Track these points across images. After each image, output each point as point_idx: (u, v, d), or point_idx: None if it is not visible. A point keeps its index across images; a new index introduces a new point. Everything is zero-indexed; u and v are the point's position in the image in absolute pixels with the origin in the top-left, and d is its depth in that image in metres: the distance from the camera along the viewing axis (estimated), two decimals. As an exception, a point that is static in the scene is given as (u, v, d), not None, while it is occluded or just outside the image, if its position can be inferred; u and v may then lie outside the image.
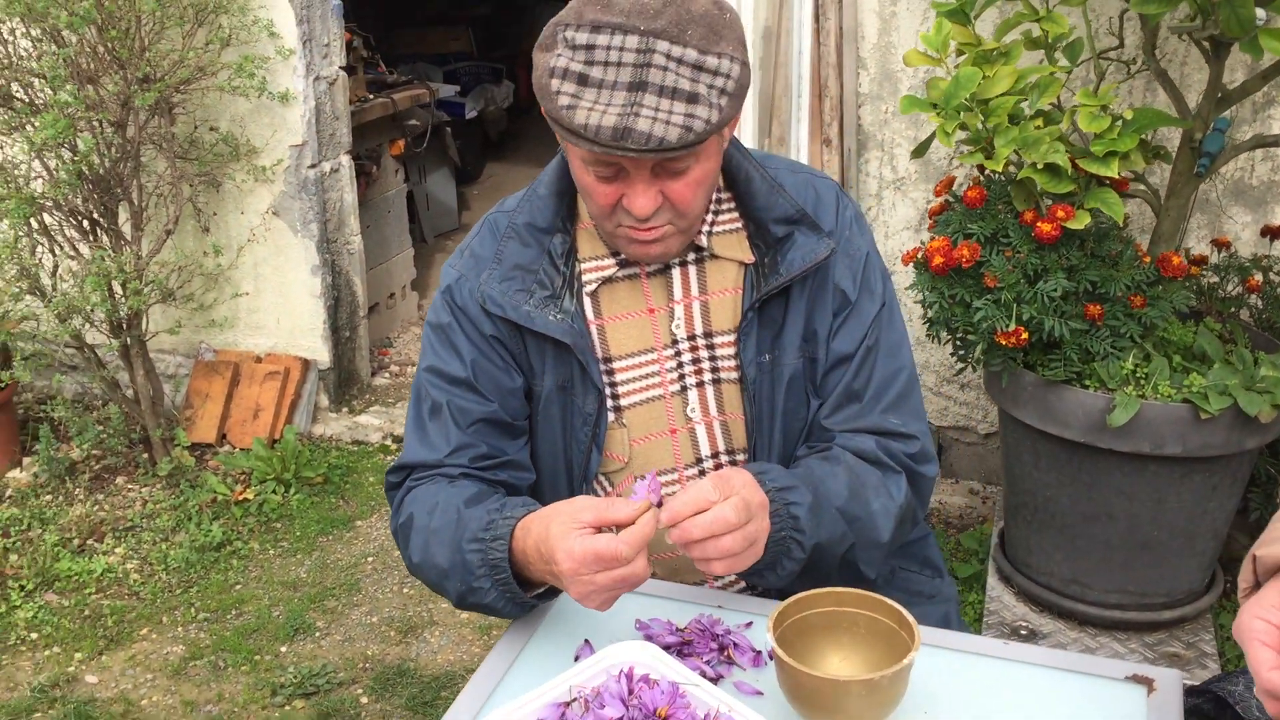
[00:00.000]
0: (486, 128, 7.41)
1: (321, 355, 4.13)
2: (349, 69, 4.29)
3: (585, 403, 1.59)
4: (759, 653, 1.42)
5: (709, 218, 1.59)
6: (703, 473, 1.65)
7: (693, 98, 1.35)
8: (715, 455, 1.65)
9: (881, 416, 1.59)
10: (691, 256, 1.61)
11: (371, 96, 4.75)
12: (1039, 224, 2.39)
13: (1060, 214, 2.38)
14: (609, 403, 1.61)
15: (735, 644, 1.42)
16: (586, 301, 1.60)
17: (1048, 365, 2.50)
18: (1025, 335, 2.39)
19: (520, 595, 1.42)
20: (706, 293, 1.60)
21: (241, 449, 3.91)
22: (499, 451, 1.63)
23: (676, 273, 1.61)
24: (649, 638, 1.44)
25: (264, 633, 3.07)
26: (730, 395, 1.62)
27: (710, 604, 1.53)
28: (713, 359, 1.61)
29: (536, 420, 1.66)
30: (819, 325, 1.59)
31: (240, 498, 3.64)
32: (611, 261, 1.60)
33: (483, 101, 7.00)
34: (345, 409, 4.24)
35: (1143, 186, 2.66)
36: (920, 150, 2.73)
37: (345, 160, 4.13)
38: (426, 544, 1.50)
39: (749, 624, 1.48)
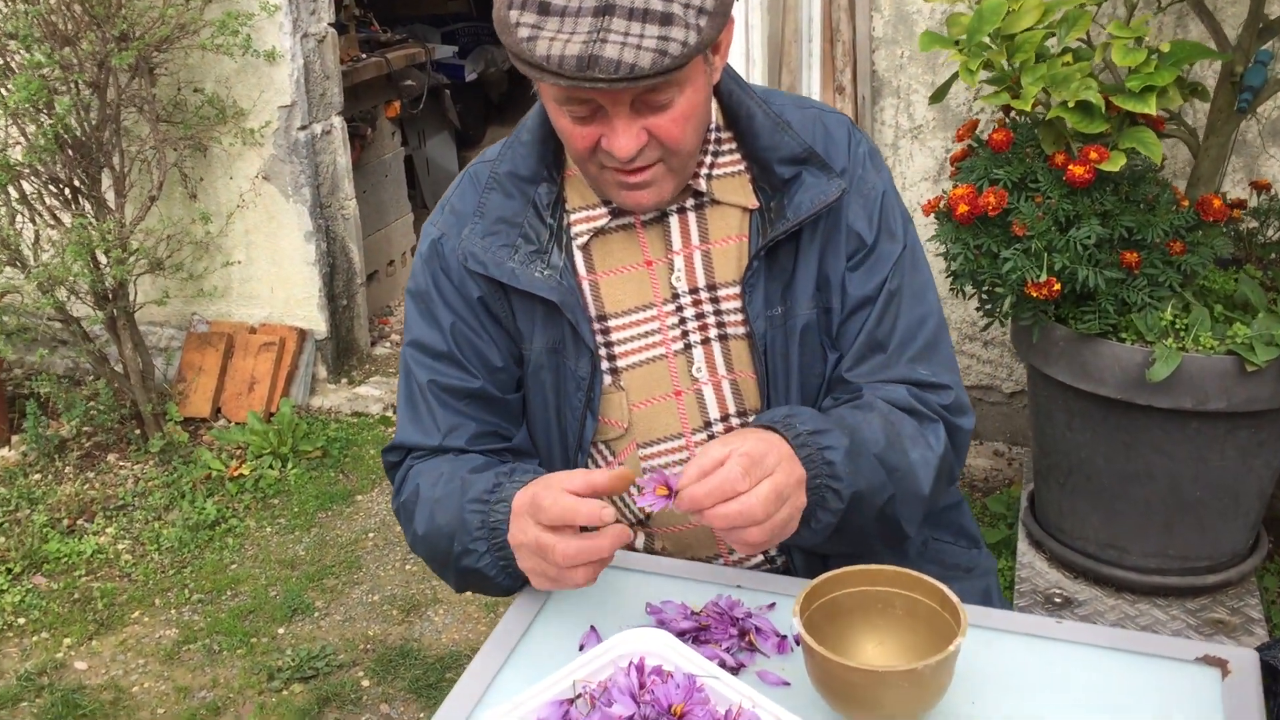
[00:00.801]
0: (487, 90, 7.22)
1: (318, 325, 3.99)
2: (339, 27, 4.12)
3: (578, 366, 1.47)
4: (784, 638, 1.28)
5: (707, 159, 1.46)
6: (712, 438, 1.50)
7: (666, 18, 1.21)
8: (725, 418, 1.50)
9: (909, 367, 1.46)
10: (690, 203, 1.47)
11: (364, 56, 4.58)
12: (1071, 167, 2.23)
13: (1093, 156, 2.22)
14: (604, 364, 1.48)
15: (757, 628, 1.28)
16: (577, 255, 1.47)
17: (1081, 318, 2.35)
18: (1057, 286, 2.23)
19: (514, 564, 1.29)
20: (708, 242, 1.47)
21: (237, 423, 3.79)
22: (496, 427, 1.51)
23: (674, 221, 1.47)
24: (661, 623, 1.31)
25: (260, 614, 2.95)
26: (739, 352, 1.48)
27: (728, 584, 1.39)
28: (718, 313, 1.48)
29: (527, 387, 1.53)
30: (832, 272, 1.45)
31: (235, 473, 3.52)
32: (603, 211, 1.47)
33: (483, 63, 6.82)
34: (344, 380, 4.10)
35: (1177, 126, 2.49)
36: (939, 95, 2.57)
37: (337, 121, 3.97)
38: (431, 514, 1.40)
39: (772, 605, 1.34)
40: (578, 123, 1.32)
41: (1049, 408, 2.54)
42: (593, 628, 1.32)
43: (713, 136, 1.48)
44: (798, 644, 1.21)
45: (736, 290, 1.46)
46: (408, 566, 3.11)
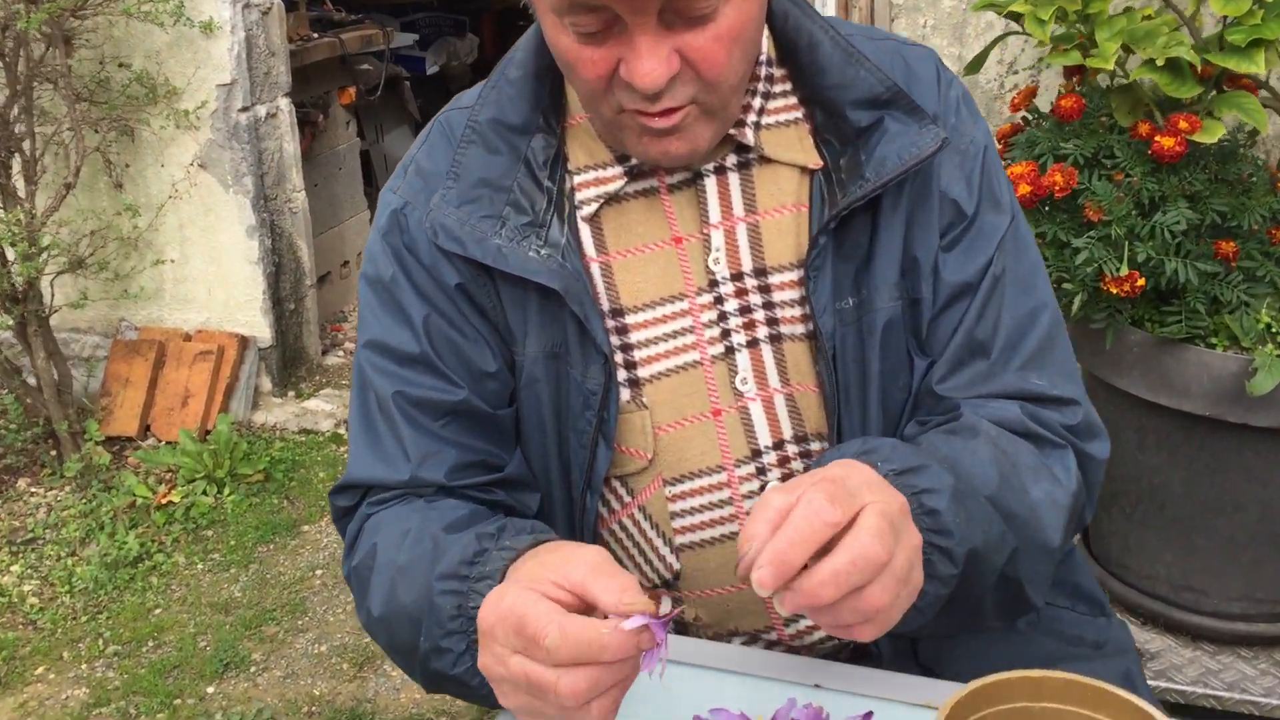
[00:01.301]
0: (449, 84, 6.81)
1: (262, 331, 3.57)
2: (288, 2, 3.71)
3: (586, 375, 1.10)
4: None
5: (755, 103, 1.11)
6: (762, 472, 1.12)
7: None
8: (779, 445, 1.13)
9: (1019, 375, 1.11)
10: (732, 160, 1.12)
11: (316, 35, 4.17)
12: (1158, 138, 1.86)
13: (1184, 125, 1.86)
14: (621, 374, 1.12)
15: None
16: (584, 230, 1.12)
17: (1162, 321, 1.98)
18: (1141, 282, 1.87)
19: None
20: (756, 212, 1.12)
21: (167, 443, 3.37)
22: (484, 454, 1.13)
23: (711, 185, 1.12)
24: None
25: (187, 669, 2.52)
26: (798, 358, 1.12)
27: (802, 680, 1.00)
28: (769, 307, 1.12)
29: (519, 403, 1.15)
30: (921, 252, 1.11)
31: (164, 501, 3.10)
32: (617, 172, 1.11)
33: (445, 56, 6.40)
34: (291, 393, 3.68)
35: (1269, 95, 2.13)
36: (976, 64, 2.21)
37: (284, 104, 3.56)
38: (392, 588, 1.01)
39: (867, 715, 0.95)
40: (586, 42, 0.96)
41: (1117, 425, 2.17)
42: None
43: (763, 73, 1.13)
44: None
45: (795, 276, 1.11)
46: (361, 610, 2.70)
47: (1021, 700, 0.83)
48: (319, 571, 2.86)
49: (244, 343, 3.56)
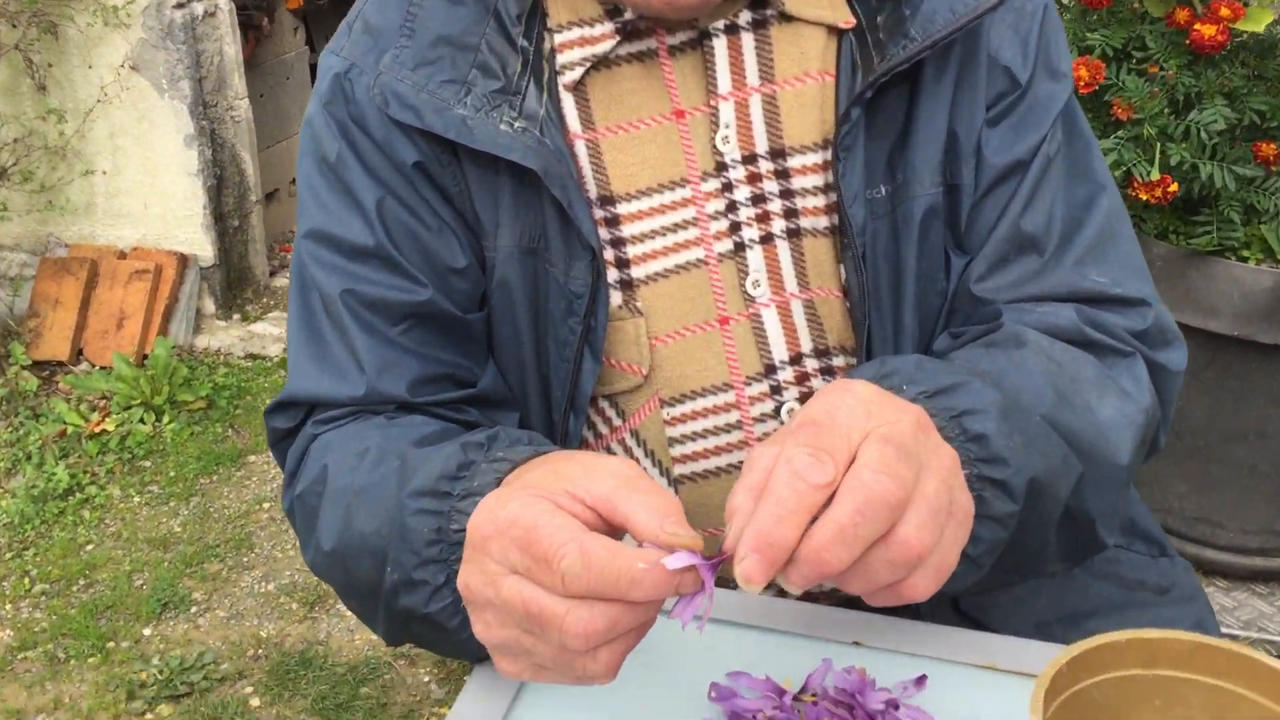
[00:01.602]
0: (404, -4, 6.48)
1: (203, 249, 3.33)
2: (227, -110, 3.41)
3: (570, 275, 0.93)
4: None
5: None
6: (777, 391, 0.94)
7: None
8: (797, 360, 0.95)
9: (1075, 272, 0.93)
10: (747, 18, 0.94)
11: (259, -70, 3.86)
12: (1197, 26, 1.67)
13: (1225, 12, 1.67)
14: (611, 274, 0.94)
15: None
16: (566, 101, 0.94)
17: (1191, 232, 1.81)
18: (1174, 187, 1.69)
19: None
20: (774, 81, 0.94)
21: (101, 367, 3.14)
22: (452, 366, 0.96)
23: (721, 47, 0.93)
24: (733, 715, 0.74)
25: (121, 609, 2.33)
26: (820, 257, 0.95)
27: (839, 638, 0.82)
28: (787, 195, 0.94)
29: (490, 309, 0.97)
30: (962, 127, 0.94)
31: (97, 429, 2.88)
32: (607, 29, 0.93)
33: (399, -36, 6.07)
34: (237, 315, 3.45)
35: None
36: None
37: (223, 2, 3.28)
38: (347, 516, 0.82)
39: (921, 682, 0.77)
40: None
41: (1132, 347, 2.02)
42: (617, 730, 0.75)
43: None
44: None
45: (819, 159, 0.93)
46: (312, 545, 2.51)
47: (1134, 668, 0.66)
48: (266, 505, 2.66)
49: (184, 261, 3.31)
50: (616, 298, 0.93)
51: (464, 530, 0.70)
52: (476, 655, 0.79)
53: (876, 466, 0.60)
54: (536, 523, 0.62)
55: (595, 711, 0.76)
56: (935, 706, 0.75)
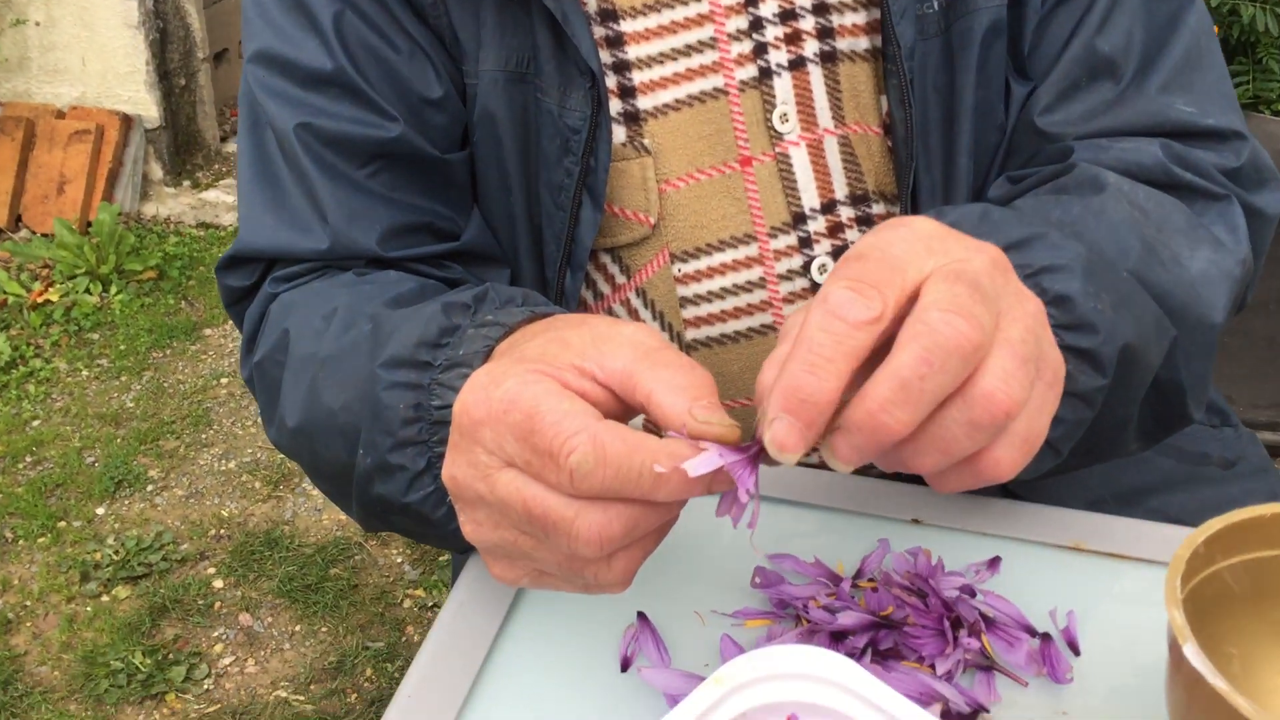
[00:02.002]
0: None
1: (148, 110, 3.12)
2: None
3: (565, 105, 0.79)
4: (1042, 642, 0.61)
5: None
6: (806, 244, 0.82)
7: None
8: (830, 207, 0.83)
9: (1159, 99, 0.80)
10: None
11: None
12: None
13: None
14: (614, 105, 0.81)
15: (990, 621, 0.62)
16: None
17: (1222, 84, 1.68)
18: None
19: None
20: None
21: (42, 234, 2.95)
22: (431, 218, 0.82)
23: None
24: (780, 602, 0.63)
25: (72, 487, 2.20)
26: (859, 85, 0.82)
27: (895, 514, 0.71)
28: (821, 11, 0.80)
29: (472, 145, 0.84)
30: None
31: (40, 299, 2.71)
32: None
33: None
34: (187, 183, 3.26)
35: None
36: None
37: None
38: (313, 388, 0.69)
39: (994, 564, 0.67)
40: None
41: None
42: (642, 621, 0.64)
43: None
44: (1189, 662, 0.54)
45: None
46: (274, 422, 2.38)
47: (1268, 548, 0.55)
48: (224, 380, 2.52)
49: (127, 122, 3.10)
50: (620, 133, 0.80)
51: (448, 408, 0.58)
52: (466, 548, 0.67)
53: (946, 305, 0.47)
54: (539, 407, 0.50)
55: (616, 605, 0.65)
56: (1013, 593, 0.65)
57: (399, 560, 2.01)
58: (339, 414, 0.66)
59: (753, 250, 0.81)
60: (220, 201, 3.18)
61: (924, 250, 0.50)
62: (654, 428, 0.59)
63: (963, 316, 0.47)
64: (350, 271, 0.78)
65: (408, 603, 1.93)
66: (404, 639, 1.86)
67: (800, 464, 0.84)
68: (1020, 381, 0.49)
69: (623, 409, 0.53)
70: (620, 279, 0.84)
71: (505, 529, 0.53)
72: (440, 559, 1.99)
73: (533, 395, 0.50)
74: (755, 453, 0.49)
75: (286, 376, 0.71)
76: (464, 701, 0.60)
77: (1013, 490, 0.86)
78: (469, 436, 0.52)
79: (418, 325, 0.63)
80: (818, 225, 0.81)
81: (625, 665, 0.62)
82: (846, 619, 0.61)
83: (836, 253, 0.82)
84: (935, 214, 0.65)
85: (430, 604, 1.92)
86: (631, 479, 0.48)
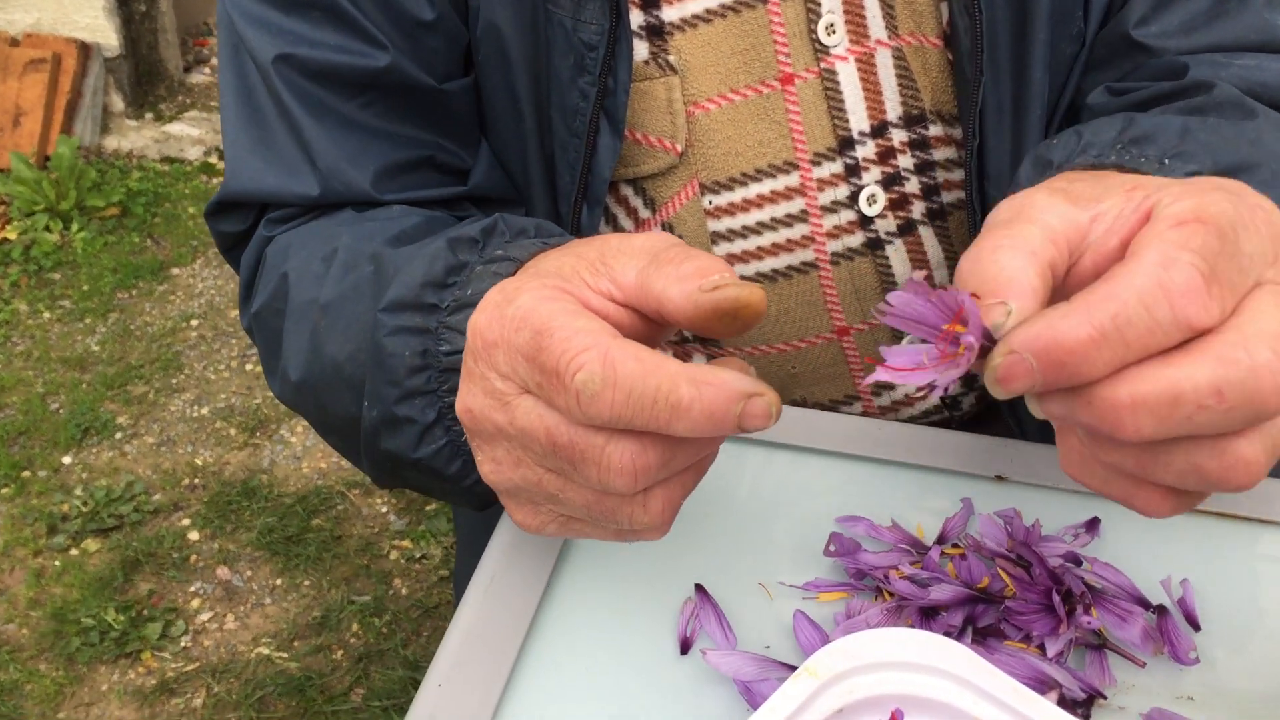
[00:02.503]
0: None
1: (107, 38, 2.96)
2: None
3: (580, 19, 0.70)
4: (1157, 618, 0.54)
5: None
6: (854, 173, 0.74)
7: None
8: (881, 130, 0.74)
9: (1266, 13, 0.71)
10: None
11: None
12: None
13: None
14: (635, 17, 0.71)
15: (1100, 593, 0.55)
16: None
17: None
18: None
19: None
20: None
21: (-2, 170, 2.80)
22: (433, 152, 0.73)
23: None
24: (859, 573, 0.56)
25: (36, 435, 2.10)
26: None
27: (977, 470, 0.63)
28: None
29: (477, 67, 0.75)
30: None
31: (-3, 238, 2.57)
32: None
33: None
34: (150, 115, 3.11)
35: None
36: None
37: None
38: (315, 338, 0.63)
39: (1093, 526, 0.59)
40: None
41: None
42: (701, 594, 0.56)
43: None
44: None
45: None
46: (249, 366, 2.27)
47: None
48: (194, 322, 2.41)
49: (85, 50, 2.94)
50: (642, 49, 0.70)
51: (458, 353, 0.52)
52: (486, 504, 0.59)
53: (1274, 341, 0.38)
54: (550, 323, 0.43)
55: (670, 577, 0.57)
56: (1118, 558, 0.57)
57: (384, 510, 1.93)
58: (344, 365, 0.59)
59: (793, 180, 0.73)
60: (185, 135, 3.04)
61: (1272, 254, 0.41)
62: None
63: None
64: (349, 208, 0.70)
65: (394, 554, 1.85)
66: (391, 592, 1.78)
67: (859, 413, 0.76)
68: (1274, 452, 0.40)
69: (651, 332, 0.46)
70: (644, 213, 0.75)
71: (528, 466, 0.46)
72: (428, 508, 1.91)
73: (547, 312, 0.43)
74: (966, 358, 0.39)
75: (287, 326, 0.64)
76: (501, 693, 0.52)
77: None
78: (484, 360, 0.46)
79: (422, 264, 0.56)
80: (867, 151, 0.73)
81: (685, 647, 0.54)
82: (940, 593, 0.53)
83: (887, 181, 0.73)
84: (1073, 134, 0.57)
85: (418, 555, 1.84)
86: (645, 405, 0.41)
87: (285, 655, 1.69)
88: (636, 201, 0.76)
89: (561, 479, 0.45)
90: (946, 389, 0.41)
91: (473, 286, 0.53)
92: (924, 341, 0.40)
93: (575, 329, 0.42)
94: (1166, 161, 0.55)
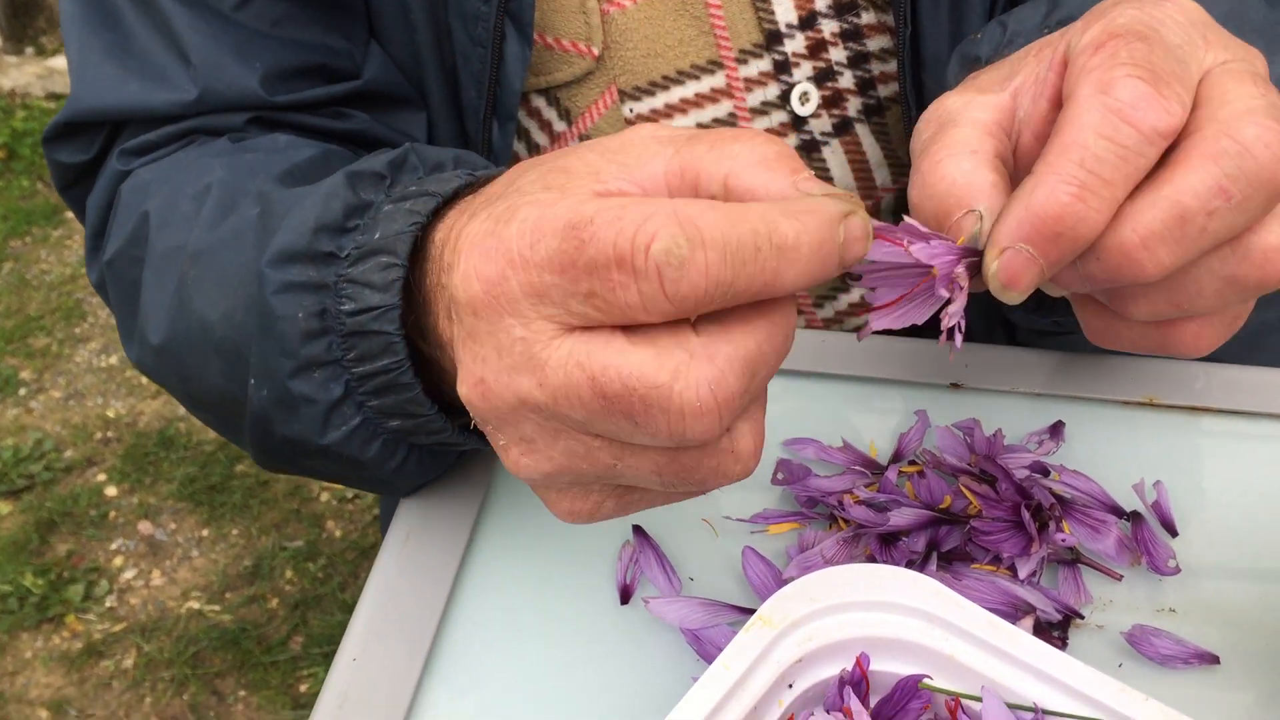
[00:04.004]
0: None
1: (-25, -33, 2.75)
2: None
3: None
4: (1131, 526, 0.51)
5: None
6: (783, 70, 0.67)
7: None
8: (810, 21, 0.67)
9: None
10: None
11: None
12: None
13: None
14: None
15: (1070, 505, 0.51)
16: None
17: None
18: None
19: (433, 421, 0.47)
20: None
21: None
22: (323, 57, 0.65)
23: None
24: (809, 503, 0.51)
25: (-67, 398, 1.98)
26: None
27: (930, 379, 0.58)
28: None
29: None
30: None
31: (-128, 190, 2.40)
32: None
33: None
34: (31, 49, 2.92)
35: None
36: None
37: None
38: (183, 293, 0.53)
39: (1056, 430, 0.55)
40: None
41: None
42: (641, 535, 0.50)
43: None
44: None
45: None
46: (156, 310, 2.16)
47: None
48: (95, 267, 2.28)
49: (-48, -17, 2.75)
50: (549, -56, 0.63)
51: (366, 312, 0.44)
52: (415, 490, 0.53)
53: (1262, 118, 0.35)
54: (581, 212, 0.34)
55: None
56: (1085, 464, 0.53)
57: (310, 451, 1.86)
58: (216, 326, 0.50)
59: (719, 80, 0.66)
60: (71, 69, 2.87)
61: (1200, 40, 0.38)
62: None
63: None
64: (225, 137, 0.61)
65: (325, 495, 1.78)
66: (324, 535, 1.72)
67: (802, 326, 0.71)
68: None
69: None
70: (559, 125, 0.68)
71: (569, 437, 0.36)
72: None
73: (568, 206, 0.34)
74: (969, 262, 0.36)
75: (147, 277, 0.54)
76: (424, 665, 0.46)
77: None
78: (489, 310, 0.35)
79: (315, 205, 0.47)
80: (796, 45, 0.66)
81: (625, 596, 0.49)
82: (900, 518, 0.48)
83: (819, 77, 0.67)
84: (1048, 3, 0.53)
85: (350, 495, 1.78)
86: (748, 257, 0.33)
87: (217, 608, 1.63)
88: (550, 113, 0.69)
89: (616, 445, 0.36)
90: (960, 327, 0.36)
91: (380, 229, 0.45)
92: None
93: (620, 205, 0.34)
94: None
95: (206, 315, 0.50)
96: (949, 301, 0.36)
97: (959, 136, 0.39)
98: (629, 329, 0.34)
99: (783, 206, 0.34)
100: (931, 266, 0.35)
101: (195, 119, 0.61)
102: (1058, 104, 0.38)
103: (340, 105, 0.64)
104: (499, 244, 0.35)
